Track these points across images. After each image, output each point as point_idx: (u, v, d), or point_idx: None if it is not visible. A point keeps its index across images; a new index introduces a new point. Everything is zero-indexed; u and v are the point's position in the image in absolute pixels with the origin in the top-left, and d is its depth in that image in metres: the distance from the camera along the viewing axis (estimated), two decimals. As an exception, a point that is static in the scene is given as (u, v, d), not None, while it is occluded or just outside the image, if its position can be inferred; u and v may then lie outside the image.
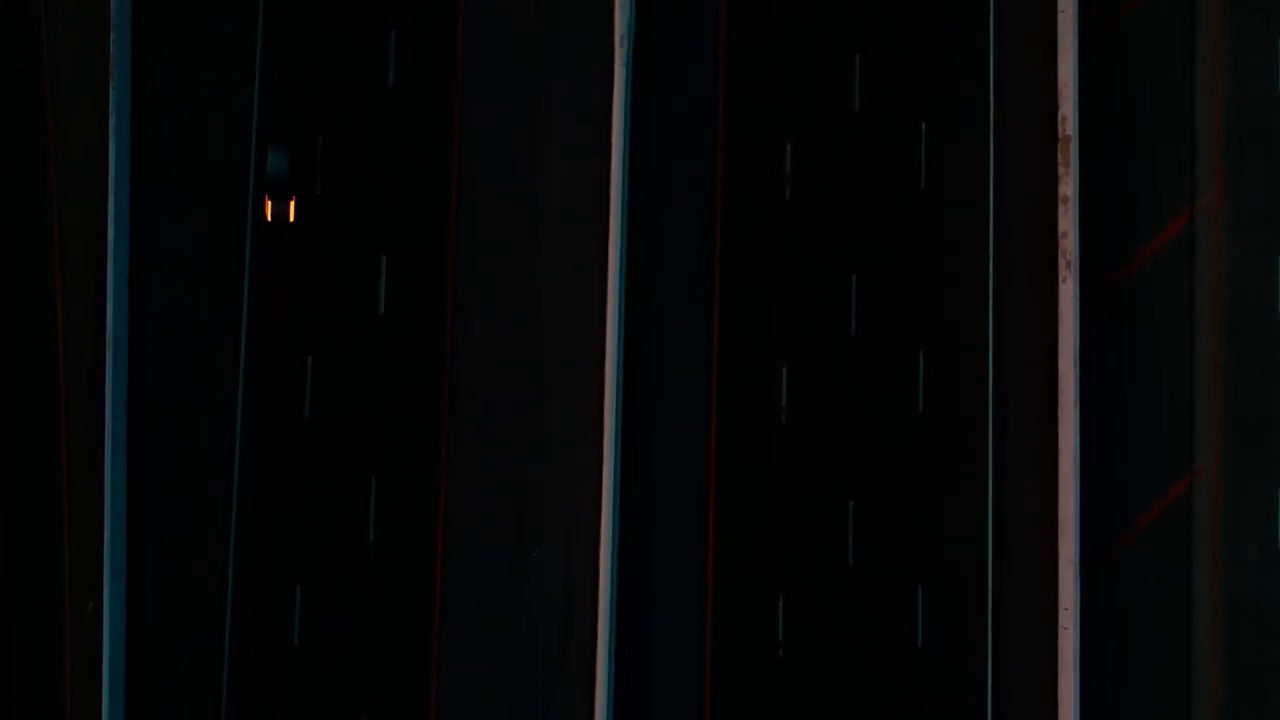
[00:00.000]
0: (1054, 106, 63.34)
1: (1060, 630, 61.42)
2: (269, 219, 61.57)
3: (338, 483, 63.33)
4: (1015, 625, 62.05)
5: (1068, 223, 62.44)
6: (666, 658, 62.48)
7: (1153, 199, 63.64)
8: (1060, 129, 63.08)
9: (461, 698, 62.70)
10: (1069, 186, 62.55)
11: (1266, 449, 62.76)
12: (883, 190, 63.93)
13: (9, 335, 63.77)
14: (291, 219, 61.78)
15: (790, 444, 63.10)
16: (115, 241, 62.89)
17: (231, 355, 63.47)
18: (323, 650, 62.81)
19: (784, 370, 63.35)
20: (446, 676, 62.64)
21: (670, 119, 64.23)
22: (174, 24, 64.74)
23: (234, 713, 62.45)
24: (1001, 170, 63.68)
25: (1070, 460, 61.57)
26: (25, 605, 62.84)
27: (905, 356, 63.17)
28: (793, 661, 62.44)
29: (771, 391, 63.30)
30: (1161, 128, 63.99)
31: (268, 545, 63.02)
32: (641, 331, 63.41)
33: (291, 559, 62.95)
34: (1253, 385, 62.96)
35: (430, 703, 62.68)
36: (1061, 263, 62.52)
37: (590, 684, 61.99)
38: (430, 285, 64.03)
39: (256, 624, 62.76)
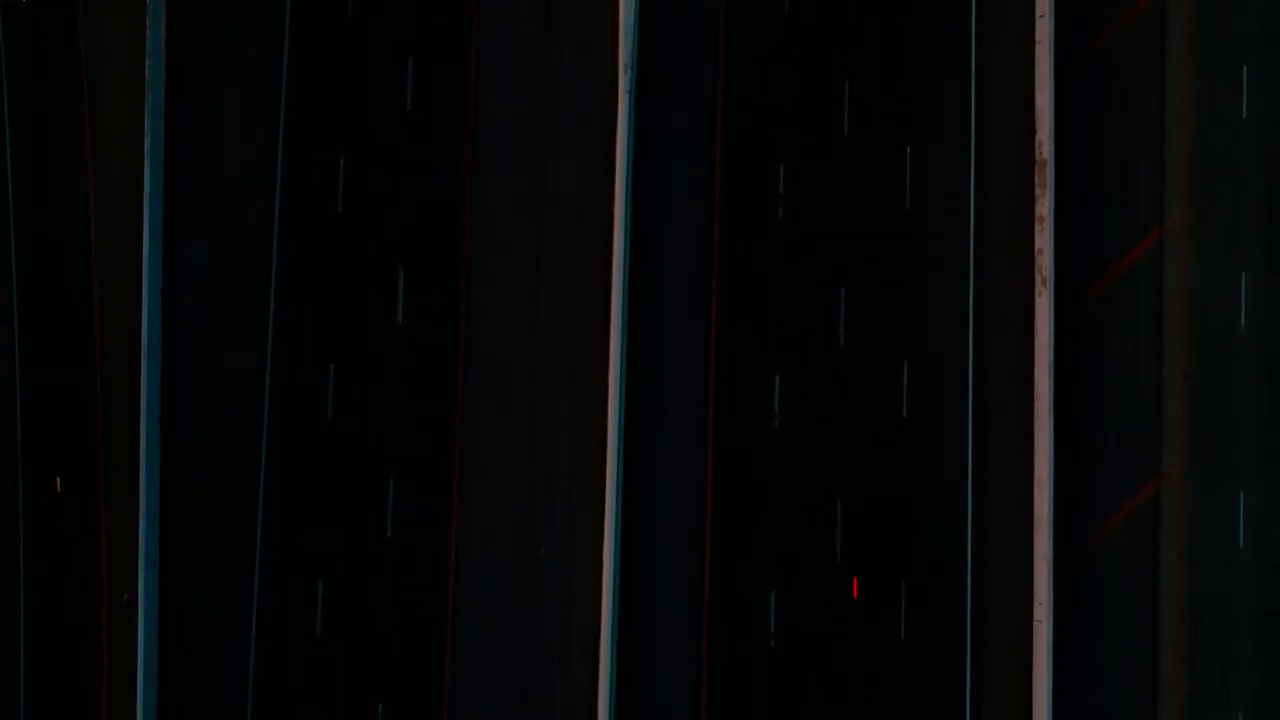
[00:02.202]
0: (1032, 131, 64.16)
1: (1035, 624, 62.21)
2: None
3: (357, 483, 63.72)
4: (993, 618, 62.81)
5: (1044, 240, 63.35)
6: (666, 652, 63.12)
7: (1124, 218, 64.47)
8: (1037, 152, 63.88)
9: (473, 688, 63.24)
10: (1045, 206, 63.39)
11: (1230, 455, 63.71)
12: (870, 209, 64.74)
13: (52, 343, 64.10)
14: None
15: (783, 447, 63.93)
16: (150, 254, 63.36)
17: (258, 363, 63.77)
18: (343, 641, 63.25)
19: (777, 378, 64.12)
20: (458, 667, 63.12)
21: (671, 143, 64.91)
22: (205, 50, 65.09)
23: (260, 699, 62.83)
24: (982, 190, 64.47)
25: (1045, 462, 62.54)
26: (64, 597, 63.24)
27: (891, 365, 64.02)
28: (784, 654, 63.21)
29: (765, 398, 64.01)
30: (1133, 151, 64.78)
31: (292, 542, 63.34)
32: (643, 341, 64.05)
33: (314, 555, 63.32)
34: (1218, 394, 63.93)
35: (443, 692, 63.18)
36: (1038, 278, 63.47)
37: (591, 680, 62.71)
38: (445, 297, 64.49)
39: (281, 616, 63.16)
